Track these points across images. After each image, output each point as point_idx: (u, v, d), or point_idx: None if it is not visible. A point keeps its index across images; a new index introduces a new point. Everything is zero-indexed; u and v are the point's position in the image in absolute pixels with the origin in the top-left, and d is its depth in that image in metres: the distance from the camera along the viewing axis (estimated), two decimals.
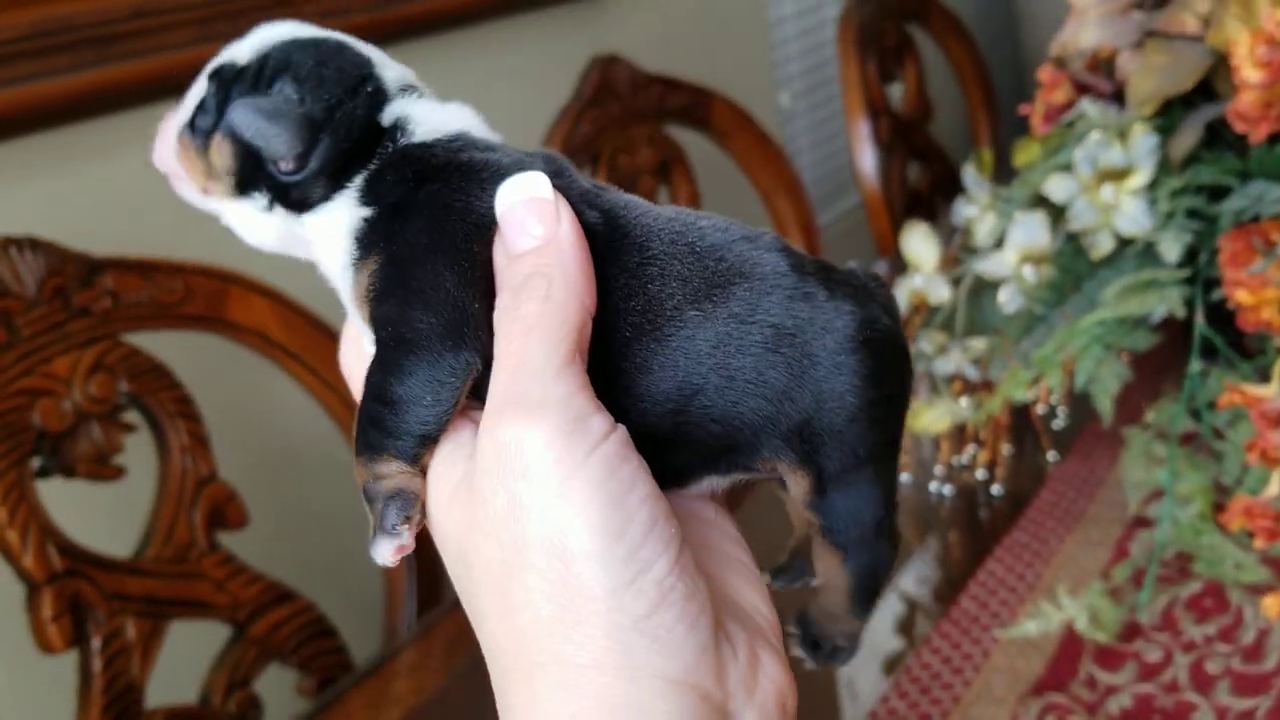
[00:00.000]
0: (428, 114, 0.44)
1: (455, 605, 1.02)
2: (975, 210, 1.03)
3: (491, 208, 0.41)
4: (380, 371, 0.40)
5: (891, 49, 1.99)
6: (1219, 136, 0.95)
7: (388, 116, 0.43)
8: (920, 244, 1.01)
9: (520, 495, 0.37)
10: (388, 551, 0.40)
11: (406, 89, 0.45)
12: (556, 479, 0.37)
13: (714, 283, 0.41)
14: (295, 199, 0.43)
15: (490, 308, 0.40)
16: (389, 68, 0.45)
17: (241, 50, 0.44)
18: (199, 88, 0.44)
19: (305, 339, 1.09)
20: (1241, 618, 0.82)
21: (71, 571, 0.93)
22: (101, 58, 1.29)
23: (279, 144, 0.41)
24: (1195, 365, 0.88)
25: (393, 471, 0.41)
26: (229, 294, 1.06)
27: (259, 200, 0.43)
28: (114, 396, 0.98)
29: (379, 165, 0.43)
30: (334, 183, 0.43)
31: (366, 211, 0.42)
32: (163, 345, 1.05)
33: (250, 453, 1.37)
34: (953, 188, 1.89)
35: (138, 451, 1.01)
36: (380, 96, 0.44)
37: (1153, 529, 0.90)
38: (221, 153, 0.43)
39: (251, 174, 0.43)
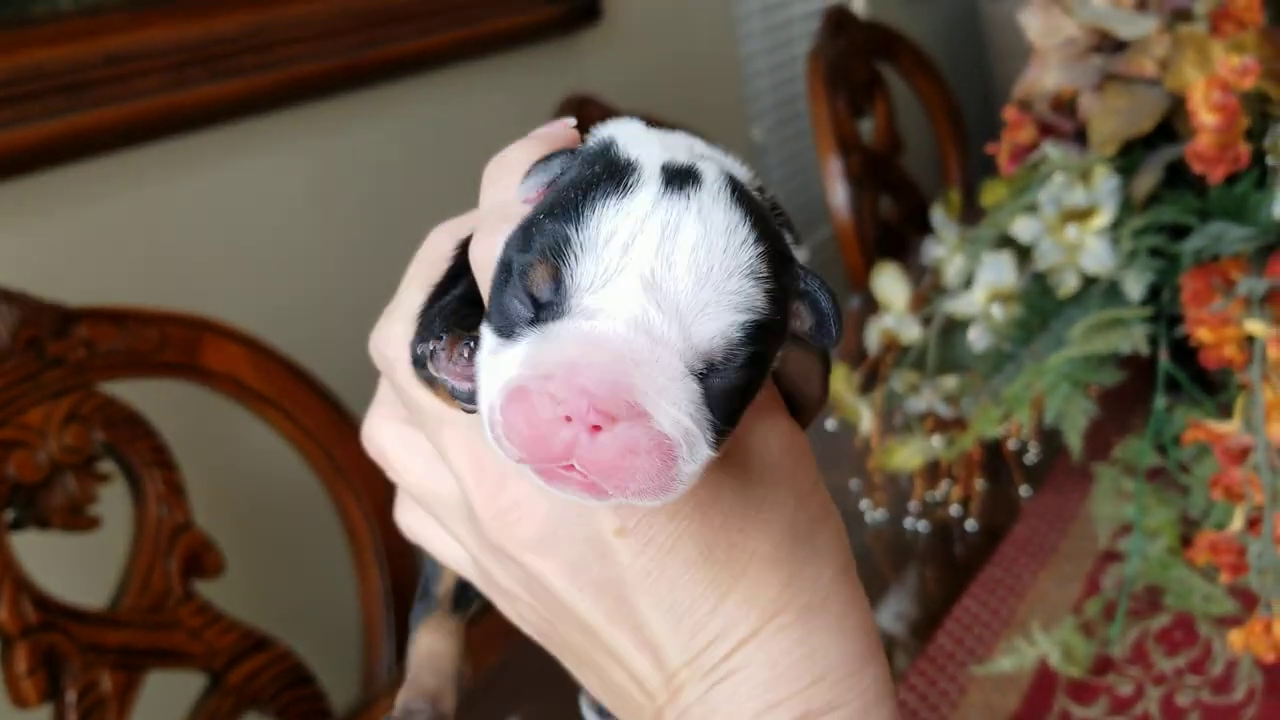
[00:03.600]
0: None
1: None
2: (944, 251, 1.05)
3: None
4: None
5: (861, 85, 2.01)
6: (1180, 175, 0.97)
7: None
8: (890, 285, 1.02)
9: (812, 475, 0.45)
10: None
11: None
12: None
13: None
14: None
15: None
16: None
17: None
18: None
19: (280, 384, 1.09)
20: (1210, 650, 0.83)
21: (46, 624, 0.92)
22: (73, 104, 1.29)
23: None
24: (1160, 402, 0.89)
25: None
26: (203, 341, 1.06)
27: None
28: (89, 446, 0.98)
29: None
30: None
31: None
32: (138, 393, 1.05)
33: (226, 499, 1.36)
34: (924, 220, 1.91)
35: (113, 501, 1.01)
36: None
37: (1123, 563, 0.91)
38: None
39: None
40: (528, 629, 0.49)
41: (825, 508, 0.45)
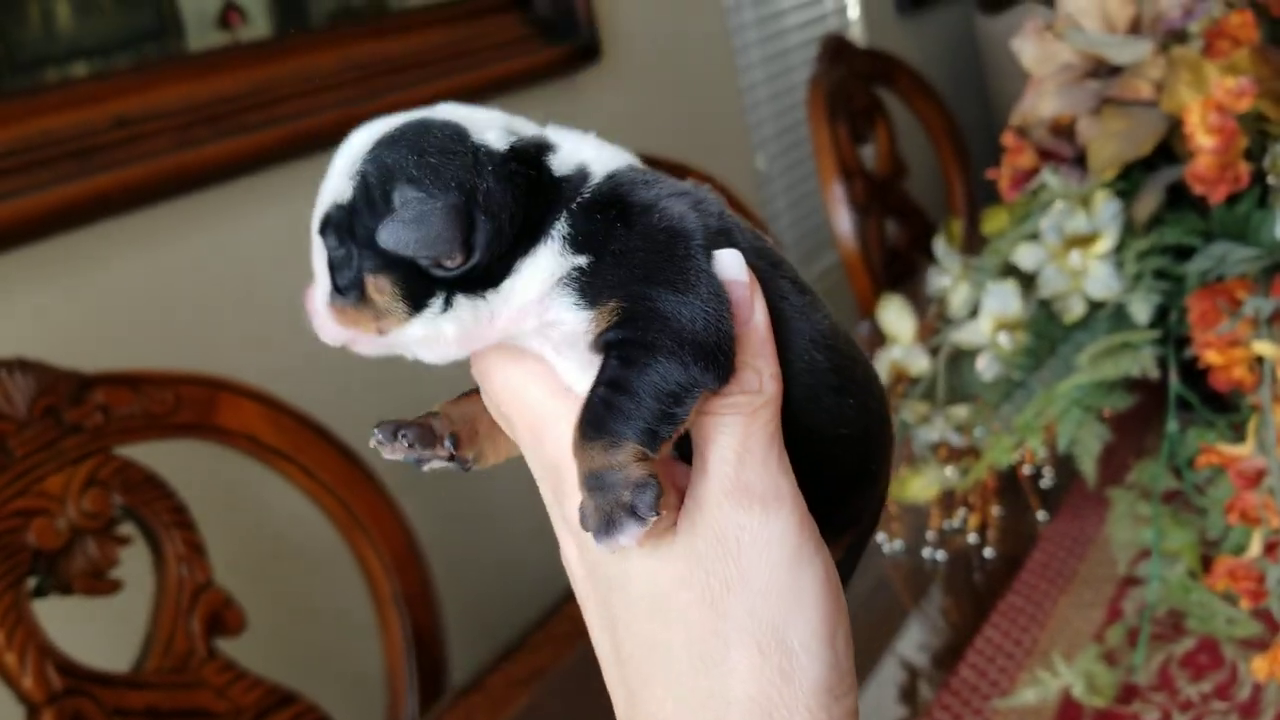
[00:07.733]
0: (593, 154, 0.45)
1: (457, 697, 1.02)
2: (948, 281, 1.05)
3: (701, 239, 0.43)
4: (652, 368, 0.41)
5: (861, 111, 2.02)
6: (1181, 196, 0.97)
7: (561, 166, 0.44)
8: (896, 317, 1.02)
9: (760, 575, 0.41)
10: (635, 535, 0.40)
11: (537, 140, 0.44)
12: (796, 567, 0.41)
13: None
14: (479, 280, 0.42)
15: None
16: (487, 126, 0.44)
17: (333, 187, 0.43)
18: (319, 251, 0.45)
19: (295, 439, 1.10)
20: (1236, 674, 0.83)
21: (71, 690, 0.93)
22: (82, 169, 1.30)
23: (440, 244, 0.41)
24: (1172, 425, 0.89)
25: (632, 460, 0.40)
26: (218, 400, 1.07)
27: (436, 305, 0.43)
28: (108, 511, 0.98)
29: (576, 213, 0.43)
30: (519, 248, 0.42)
31: (581, 260, 0.42)
32: (155, 455, 1.06)
33: (245, 555, 1.37)
34: (931, 244, 1.91)
35: (133, 563, 1.02)
36: (527, 154, 0.43)
37: (1144, 587, 0.91)
38: (382, 289, 0.43)
39: (419, 288, 0.42)
40: None
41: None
